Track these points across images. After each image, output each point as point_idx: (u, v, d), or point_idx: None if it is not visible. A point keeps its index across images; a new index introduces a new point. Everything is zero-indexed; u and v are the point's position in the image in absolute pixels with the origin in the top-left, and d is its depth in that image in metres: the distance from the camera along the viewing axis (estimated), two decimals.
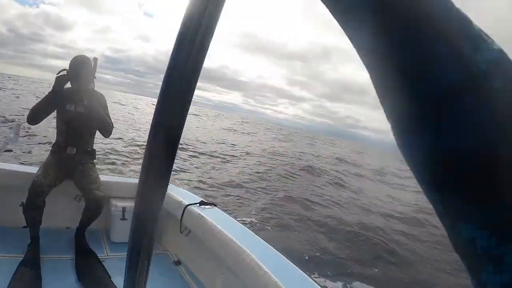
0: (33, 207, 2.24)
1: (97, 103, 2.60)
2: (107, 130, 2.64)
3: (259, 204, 7.87)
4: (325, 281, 4.68)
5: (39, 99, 2.55)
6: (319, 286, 1.62)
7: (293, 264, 1.81)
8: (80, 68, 2.50)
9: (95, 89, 2.61)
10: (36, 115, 2.51)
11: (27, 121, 2.52)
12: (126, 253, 1.67)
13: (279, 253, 1.96)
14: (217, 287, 2.19)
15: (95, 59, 2.60)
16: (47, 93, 2.54)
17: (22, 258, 2.17)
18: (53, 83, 2.50)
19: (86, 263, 2.32)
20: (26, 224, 2.30)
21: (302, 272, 1.74)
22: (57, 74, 2.51)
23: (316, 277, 4.63)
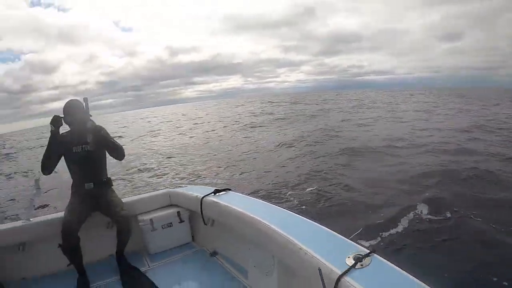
0: (69, 245, 2.49)
1: (101, 135, 2.75)
2: (120, 153, 2.84)
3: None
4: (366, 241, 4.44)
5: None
6: (351, 242, 1.61)
7: (317, 224, 1.86)
8: (73, 112, 2.70)
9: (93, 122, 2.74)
10: (45, 164, 2.70)
11: (42, 172, 2.71)
12: (165, 261, 2.42)
13: (293, 212, 2.08)
14: (251, 265, 2.33)
15: (85, 99, 2.74)
16: (47, 146, 2.71)
17: None
18: (50, 128, 2.67)
19: (132, 279, 2.60)
20: (69, 262, 2.57)
21: (329, 230, 1.75)
22: (50, 122, 2.68)
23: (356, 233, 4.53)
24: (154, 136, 23.73)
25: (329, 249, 1.54)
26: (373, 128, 16.27)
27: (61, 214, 2.89)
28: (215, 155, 12.87)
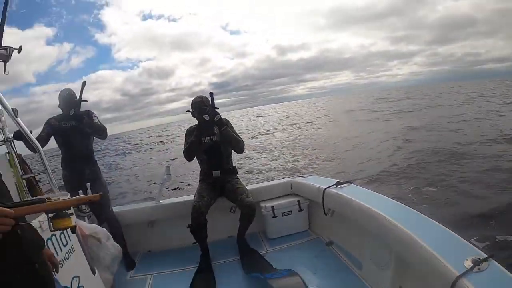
0: (198, 226, 2.76)
1: (226, 128, 2.94)
2: (241, 148, 3.02)
3: None
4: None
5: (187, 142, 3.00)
6: (470, 244, 1.55)
7: (437, 223, 1.81)
8: (202, 107, 2.91)
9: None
10: (193, 152, 2.99)
11: (186, 159, 3.02)
12: (282, 246, 2.51)
13: (415, 210, 2.01)
14: (366, 257, 2.33)
15: (211, 93, 2.97)
16: (193, 138, 2.95)
17: (197, 267, 2.78)
18: (196, 133, 2.94)
19: (251, 260, 2.76)
20: (195, 241, 2.88)
21: (450, 230, 1.70)
22: (186, 111, 3.02)
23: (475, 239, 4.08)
24: (269, 132, 25.03)
25: (449, 249, 1.53)
26: (488, 124, 14.09)
27: (186, 198, 3.26)
28: (329, 148, 13.09)
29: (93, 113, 3.01)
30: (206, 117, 2.85)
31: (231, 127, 3.05)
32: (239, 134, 3.09)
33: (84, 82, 2.91)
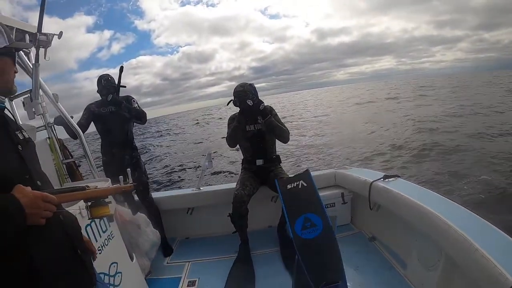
0: (239, 216, 2.69)
1: (270, 117, 2.85)
2: (285, 137, 2.91)
3: None
4: None
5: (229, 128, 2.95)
6: None
7: (493, 225, 1.69)
8: (244, 95, 2.81)
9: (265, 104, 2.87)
10: (236, 138, 2.93)
11: (229, 145, 2.98)
12: None
13: (470, 211, 1.87)
14: (413, 256, 2.20)
15: (252, 85, 2.90)
16: (235, 123, 2.89)
17: (236, 257, 2.74)
18: (237, 119, 2.87)
19: (291, 253, 2.66)
20: (235, 230, 2.81)
21: (505, 234, 1.59)
22: (227, 104, 2.92)
23: None
24: (308, 119, 24.39)
25: (505, 255, 1.43)
26: None
27: (227, 186, 3.22)
28: (372, 137, 12.64)
29: (133, 98, 3.01)
30: (250, 102, 2.77)
31: (275, 115, 2.94)
32: (283, 123, 2.96)
33: (122, 67, 2.89)
